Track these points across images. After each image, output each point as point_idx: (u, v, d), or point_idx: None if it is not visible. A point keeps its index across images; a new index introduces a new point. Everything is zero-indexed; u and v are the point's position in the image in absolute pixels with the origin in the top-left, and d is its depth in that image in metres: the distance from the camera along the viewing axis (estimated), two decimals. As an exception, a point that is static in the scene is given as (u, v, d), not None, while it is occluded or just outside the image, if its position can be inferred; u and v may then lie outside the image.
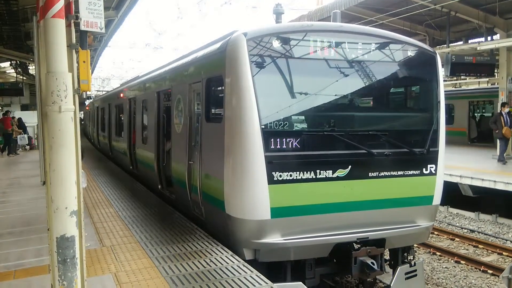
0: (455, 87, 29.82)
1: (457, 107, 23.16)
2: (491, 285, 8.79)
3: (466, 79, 29.09)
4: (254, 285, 4.75)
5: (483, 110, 23.73)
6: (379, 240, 6.30)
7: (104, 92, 36.29)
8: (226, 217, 5.88)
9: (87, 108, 32.68)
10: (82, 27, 3.69)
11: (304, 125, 6.06)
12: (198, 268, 5.25)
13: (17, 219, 7.93)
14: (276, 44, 5.76)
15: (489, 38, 17.69)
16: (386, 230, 6.33)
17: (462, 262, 9.90)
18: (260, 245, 5.72)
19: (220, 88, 6.29)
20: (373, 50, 6.37)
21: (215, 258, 5.58)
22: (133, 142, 12.45)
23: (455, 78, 28.47)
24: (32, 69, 25.76)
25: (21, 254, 5.98)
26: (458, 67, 16.51)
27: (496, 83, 23.84)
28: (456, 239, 11.60)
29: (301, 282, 5.83)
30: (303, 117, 6.07)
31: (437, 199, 6.71)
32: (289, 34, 5.92)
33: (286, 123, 5.74)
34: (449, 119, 17.26)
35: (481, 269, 9.47)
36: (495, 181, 12.64)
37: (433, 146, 6.57)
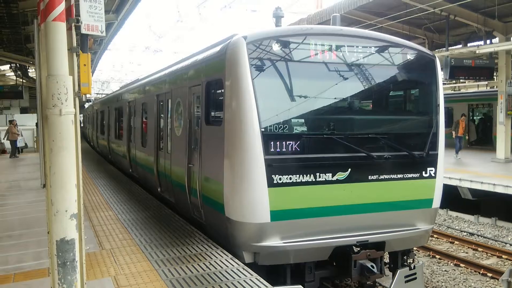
0: (454, 91, 29.86)
1: (456, 110, 23.22)
2: (490, 289, 8.80)
3: (465, 82, 29.14)
4: (254, 288, 4.74)
5: (483, 114, 23.78)
6: (378, 243, 6.30)
7: (103, 95, 36.28)
8: (226, 220, 5.88)
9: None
10: (83, 31, 3.70)
11: (304, 128, 6.06)
12: (198, 271, 5.25)
13: (16, 222, 7.93)
14: (275, 47, 5.78)
15: (488, 41, 17.72)
16: (386, 233, 6.34)
17: (461, 265, 9.90)
18: (260, 248, 5.71)
19: (220, 91, 6.30)
20: (372, 53, 6.39)
21: (214, 261, 5.58)
22: (133, 145, 12.44)
23: (454, 81, 28.52)
24: (31, 72, 25.82)
25: (20, 257, 5.97)
26: (457, 71, 16.56)
27: (495, 87, 23.89)
28: (456, 242, 11.60)
29: (300, 286, 5.83)
30: (302, 120, 6.08)
31: (436, 202, 6.72)
32: (289, 37, 5.93)
33: (286, 126, 5.75)
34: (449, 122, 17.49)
35: (481, 272, 9.46)
36: (494, 184, 12.64)
37: (432, 149, 6.58)
